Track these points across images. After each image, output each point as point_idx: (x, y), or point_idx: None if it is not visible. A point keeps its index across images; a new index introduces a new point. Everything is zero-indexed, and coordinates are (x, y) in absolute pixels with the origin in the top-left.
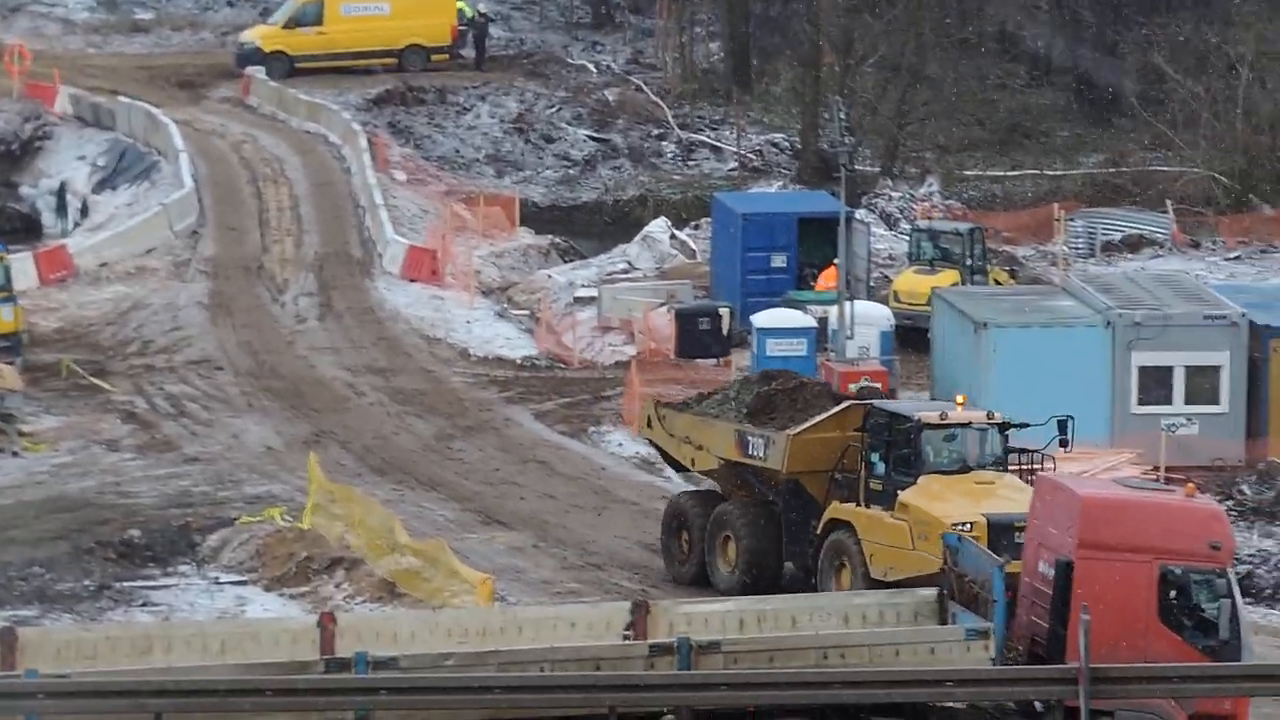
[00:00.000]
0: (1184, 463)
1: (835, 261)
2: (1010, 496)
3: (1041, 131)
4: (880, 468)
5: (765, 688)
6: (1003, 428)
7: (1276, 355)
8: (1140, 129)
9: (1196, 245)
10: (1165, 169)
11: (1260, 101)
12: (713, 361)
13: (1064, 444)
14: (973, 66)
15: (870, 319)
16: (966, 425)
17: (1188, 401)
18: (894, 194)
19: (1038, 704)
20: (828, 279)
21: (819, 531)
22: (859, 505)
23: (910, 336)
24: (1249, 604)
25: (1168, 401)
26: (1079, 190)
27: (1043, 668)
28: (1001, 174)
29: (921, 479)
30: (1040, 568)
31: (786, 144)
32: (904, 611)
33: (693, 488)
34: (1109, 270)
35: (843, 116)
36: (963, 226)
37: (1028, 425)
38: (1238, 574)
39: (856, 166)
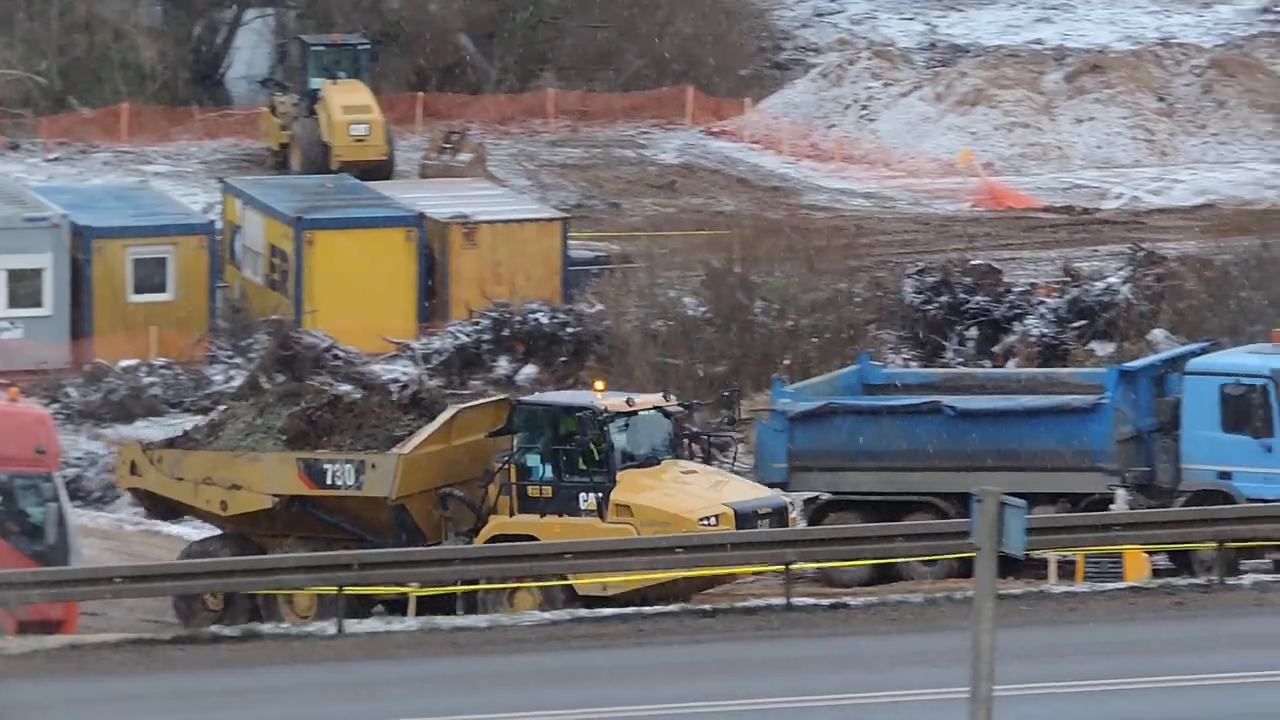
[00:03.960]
0: (8, 367)
1: None
2: (729, 482)
3: None
4: (544, 470)
5: None
6: (686, 409)
7: (99, 256)
8: None
9: (16, 147)
10: None
11: (76, 1)
12: None
13: (731, 421)
14: None
15: None
16: (658, 410)
17: (11, 305)
18: None
19: None
20: None
21: None
22: (511, 516)
23: None
24: (78, 507)
25: None
26: None
27: None
28: None
29: (621, 476)
30: None
31: None
32: None
33: (210, 533)
34: None
35: None
36: None
37: (692, 406)
38: (65, 478)
39: None
